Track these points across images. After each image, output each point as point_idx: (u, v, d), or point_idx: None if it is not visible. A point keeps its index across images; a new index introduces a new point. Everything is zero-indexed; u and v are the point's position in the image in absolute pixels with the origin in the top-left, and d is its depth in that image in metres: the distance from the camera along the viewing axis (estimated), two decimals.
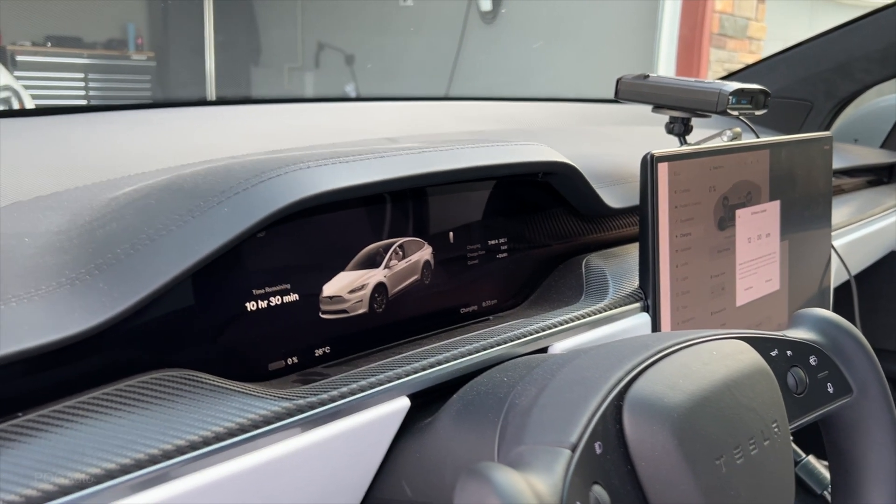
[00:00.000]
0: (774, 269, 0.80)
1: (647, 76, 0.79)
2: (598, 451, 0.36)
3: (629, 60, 3.78)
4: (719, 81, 0.76)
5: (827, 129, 1.34)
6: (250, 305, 0.50)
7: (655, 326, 0.65)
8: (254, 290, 0.50)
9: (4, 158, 0.61)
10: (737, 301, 0.74)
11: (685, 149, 0.66)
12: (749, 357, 0.44)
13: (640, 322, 0.63)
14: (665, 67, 3.63)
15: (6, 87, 2.66)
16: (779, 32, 3.99)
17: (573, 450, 0.35)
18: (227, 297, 0.49)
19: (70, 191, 0.57)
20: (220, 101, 0.95)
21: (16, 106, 2.68)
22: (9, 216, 0.51)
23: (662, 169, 0.64)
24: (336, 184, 0.46)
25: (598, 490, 0.35)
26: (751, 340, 0.47)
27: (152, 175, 0.61)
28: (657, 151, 0.64)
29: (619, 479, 0.37)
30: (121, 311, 0.40)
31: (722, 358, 0.43)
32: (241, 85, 3.90)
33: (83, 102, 3.69)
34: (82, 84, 3.72)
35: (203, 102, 0.96)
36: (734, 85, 0.74)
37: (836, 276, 0.97)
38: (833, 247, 0.91)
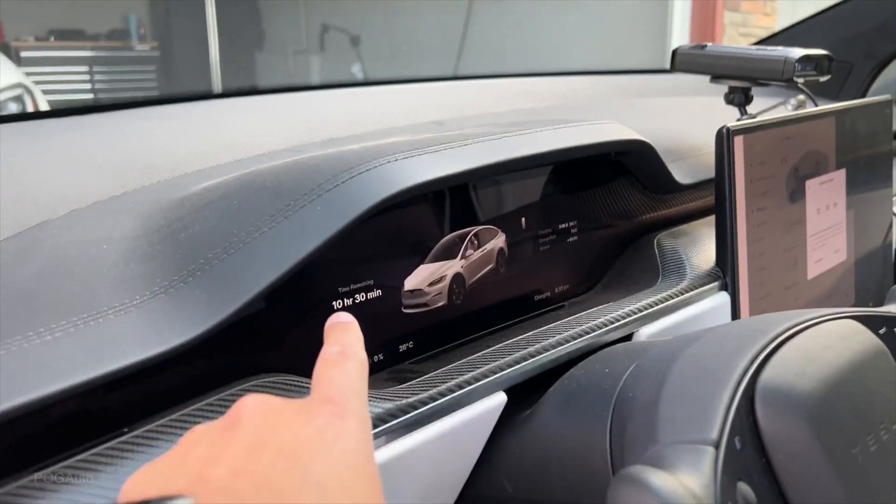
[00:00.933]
0: (842, 238, 0.78)
1: (705, 46, 0.76)
2: (738, 446, 0.35)
3: (642, 28, 3.71)
4: (782, 48, 0.73)
5: (866, 90, 1.31)
6: (337, 304, 0.48)
7: (735, 305, 0.63)
8: (339, 288, 0.49)
9: (35, 162, 0.60)
10: (808, 274, 0.73)
11: (759, 121, 0.64)
12: (866, 338, 0.43)
13: (719, 302, 0.62)
14: (679, 33, 3.57)
15: (18, 85, 2.64)
16: None
17: (717, 447, 0.33)
18: (316, 297, 0.47)
19: (129, 193, 0.56)
20: (242, 92, 0.93)
21: (28, 103, 2.65)
22: (78, 223, 0.50)
23: (738, 142, 0.62)
24: (427, 175, 0.45)
25: (742, 487, 0.33)
26: (861, 319, 0.45)
27: (210, 173, 0.59)
28: (732, 125, 0.62)
29: (757, 474, 0.35)
30: (222, 319, 0.39)
31: (842, 340, 0.41)
32: (246, 71, 3.86)
33: (90, 96, 3.67)
34: (87, 77, 3.70)
35: (220, 95, 0.93)
36: (799, 51, 0.71)
37: None
38: (894, 212, 0.89)
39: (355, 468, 0.28)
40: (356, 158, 0.45)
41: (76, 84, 3.67)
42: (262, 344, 0.45)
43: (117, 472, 0.35)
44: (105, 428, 0.37)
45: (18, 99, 2.59)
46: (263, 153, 0.66)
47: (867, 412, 0.39)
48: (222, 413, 0.40)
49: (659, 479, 0.30)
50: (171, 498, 0.23)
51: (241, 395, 0.40)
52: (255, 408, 0.29)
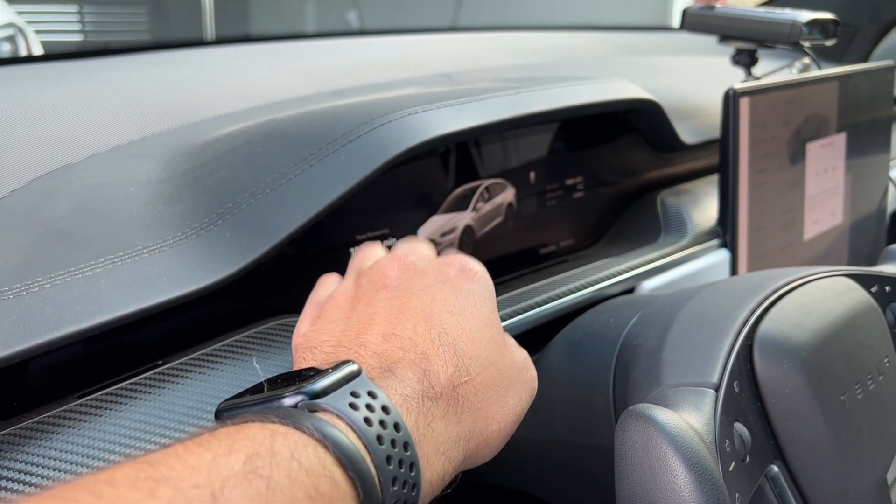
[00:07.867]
0: (838, 201, 0.80)
1: (714, 6, 0.77)
2: (736, 389, 0.37)
3: None
4: (790, 10, 0.74)
5: (870, 53, 1.32)
6: (354, 250, 0.50)
7: (734, 263, 0.65)
8: (357, 236, 0.50)
9: (50, 105, 0.60)
10: (804, 235, 0.75)
11: (765, 83, 0.66)
12: (859, 294, 0.45)
13: (719, 259, 0.64)
14: None
15: (10, 25, 2.58)
16: None
17: (717, 390, 0.36)
18: (335, 243, 0.49)
19: (149, 138, 0.57)
20: (238, 39, 0.93)
21: (21, 44, 2.60)
22: (102, 166, 0.51)
23: (744, 104, 0.63)
24: (446, 128, 0.46)
25: (739, 427, 0.36)
26: (854, 277, 0.48)
27: (227, 120, 0.60)
28: (738, 86, 0.63)
29: (752, 415, 0.38)
30: (251, 260, 0.40)
31: (836, 296, 0.44)
32: (240, 16, 3.78)
33: (80, 38, 3.59)
34: (77, 18, 3.62)
35: (215, 41, 0.92)
36: (807, 14, 0.72)
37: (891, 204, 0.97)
38: (890, 176, 0.91)
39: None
40: (377, 110, 0.47)
41: (65, 25, 3.59)
42: (285, 286, 0.47)
43: (154, 401, 0.37)
44: (141, 360, 0.40)
45: (11, 39, 2.53)
46: (276, 102, 0.67)
47: (856, 363, 0.41)
48: (250, 349, 0.42)
49: (664, 415, 0.32)
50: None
51: (268, 332, 0.43)
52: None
